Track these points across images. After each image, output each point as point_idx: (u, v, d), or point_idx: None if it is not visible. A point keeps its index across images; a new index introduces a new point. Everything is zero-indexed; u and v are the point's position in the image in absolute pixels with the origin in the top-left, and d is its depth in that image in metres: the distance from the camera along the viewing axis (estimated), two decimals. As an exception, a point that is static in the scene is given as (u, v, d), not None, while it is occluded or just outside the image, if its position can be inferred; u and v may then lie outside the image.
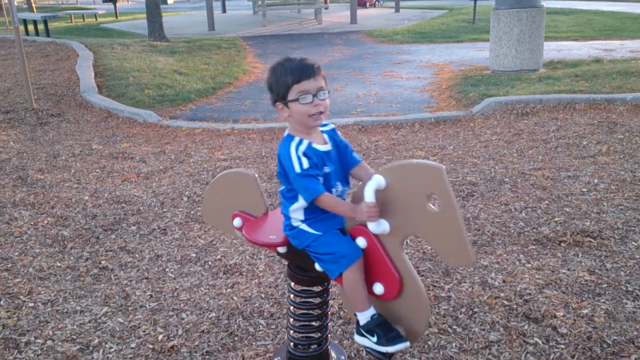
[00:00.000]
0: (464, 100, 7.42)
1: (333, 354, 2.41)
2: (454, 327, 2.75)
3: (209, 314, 2.95)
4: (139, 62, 10.13)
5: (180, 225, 4.08)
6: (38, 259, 3.63)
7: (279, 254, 2.23)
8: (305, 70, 1.98)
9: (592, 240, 3.55)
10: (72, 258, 3.65)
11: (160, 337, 2.78)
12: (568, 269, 3.23)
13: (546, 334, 2.66)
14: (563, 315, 2.78)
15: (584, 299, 2.93)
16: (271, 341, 2.71)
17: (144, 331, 2.83)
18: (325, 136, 2.11)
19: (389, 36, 14.65)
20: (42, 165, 5.52)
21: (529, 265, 3.30)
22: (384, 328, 1.99)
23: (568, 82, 7.73)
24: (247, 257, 3.55)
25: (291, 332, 2.32)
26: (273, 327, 2.83)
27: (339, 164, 2.11)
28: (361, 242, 2.01)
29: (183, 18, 21.99)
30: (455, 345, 2.61)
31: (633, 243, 3.50)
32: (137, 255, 3.66)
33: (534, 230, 3.74)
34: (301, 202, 2.06)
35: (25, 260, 3.63)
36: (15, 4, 7.71)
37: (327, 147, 2.08)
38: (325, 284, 2.25)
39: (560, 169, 4.81)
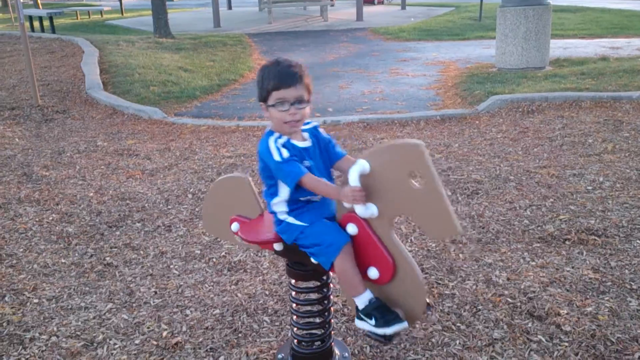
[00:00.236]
0: (470, 97, 7.40)
1: (337, 351, 2.42)
2: (458, 324, 2.75)
3: (213, 311, 2.96)
4: (145, 59, 10.14)
5: (184, 222, 4.09)
6: (43, 256, 3.65)
7: (276, 252, 2.24)
8: (286, 79, 2.02)
9: (596, 238, 3.54)
10: (76, 254, 3.66)
11: (164, 333, 2.79)
12: (572, 267, 3.22)
13: (550, 331, 2.66)
14: (567, 313, 2.78)
15: (588, 297, 2.93)
16: (275, 338, 2.72)
17: (148, 327, 2.84)
18: (306, 134, 2.15)
19: (395, 33, 14.62)
20: (47, 162, 5.54)
21: (534, 263, 3.30)
22: (382, 311, 2.01)
23: (574, 80, 7.69)
24: (252, 254, 3.55)
25: (294, 329, 2.33)
26: (277, 323, 2.83)
27: (320, 160, 2.15)
28: (351, 228, 2.03)
29: (189, 15, 22.04)
30: (459, 343, 2.61)
31: (638, 241, 3.49)
32: (141, 252, 3.67)
33: (539, 228, 3.73)
34: (282, 196, 2.11)
35: (30, 256, 3.64)
36: (21, 0, 7.72)
37: (307, 143, 2.12)
38: (324, 277, 2.26)
39: (566, 167, 4.79)
